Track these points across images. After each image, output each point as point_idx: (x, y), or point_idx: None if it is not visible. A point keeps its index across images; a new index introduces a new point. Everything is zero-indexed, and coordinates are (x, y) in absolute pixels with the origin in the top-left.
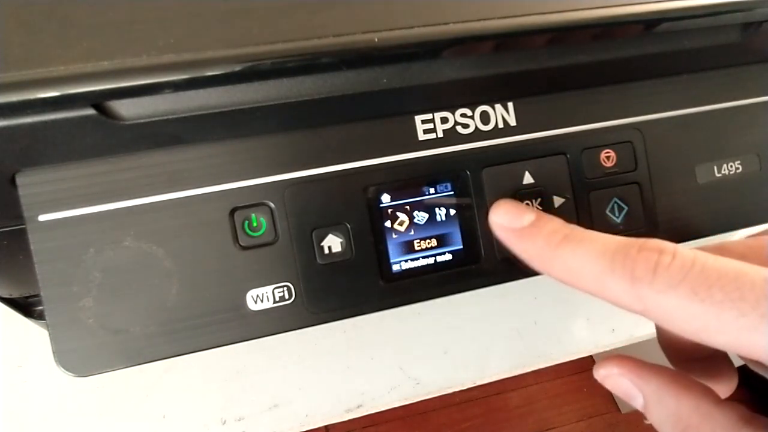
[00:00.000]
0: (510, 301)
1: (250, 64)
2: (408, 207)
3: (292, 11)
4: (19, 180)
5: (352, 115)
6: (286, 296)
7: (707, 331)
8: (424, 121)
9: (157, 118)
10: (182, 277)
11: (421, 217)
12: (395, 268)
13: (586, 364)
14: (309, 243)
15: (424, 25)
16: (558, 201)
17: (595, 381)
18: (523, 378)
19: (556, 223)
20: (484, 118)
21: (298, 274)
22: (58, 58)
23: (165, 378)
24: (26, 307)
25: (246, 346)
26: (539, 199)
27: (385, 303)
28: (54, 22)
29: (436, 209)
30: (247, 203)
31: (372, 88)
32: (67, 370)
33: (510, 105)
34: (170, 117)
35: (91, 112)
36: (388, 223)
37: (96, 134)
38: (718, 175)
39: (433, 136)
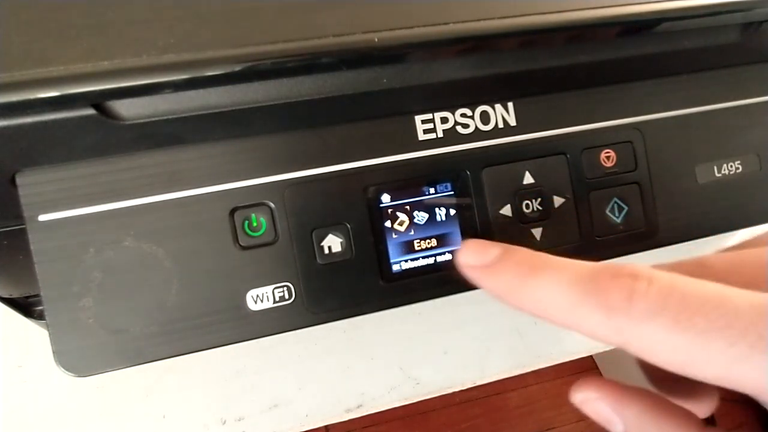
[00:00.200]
0: None
1: (250, 64)
2: (408, 207)
3: (292, 11)
4: (19, 180)
5: (352, 115)
6: (286, 296)
7: (693, 364)
8: (424, 121)
9: (157, 118)
10: (182, 277)
11: (421, 217)
12: (395, 268)
13: (586, 364)
14: (309, 243)
15: (424, 25)
16: (558, 201)
17: None
18: (523, 378)
19: (523, 253)
20: (484, 118)
21: (298, 274)
22: (58, 58)
23: (165, 378)
24: (26, 307)
25: (246, 346)
26: (539, 199)
27: (385, 303)
28: (54, 22)
29: (436, 209)
30: (247, 203)
31: (372, 88)
32: (67, 370)
33: (510, 105)
34: (170, 117)
35: (91, 112)
36: (388, 223)
37: (96, 134)
38: (718, 175)
39: (433, 136)
